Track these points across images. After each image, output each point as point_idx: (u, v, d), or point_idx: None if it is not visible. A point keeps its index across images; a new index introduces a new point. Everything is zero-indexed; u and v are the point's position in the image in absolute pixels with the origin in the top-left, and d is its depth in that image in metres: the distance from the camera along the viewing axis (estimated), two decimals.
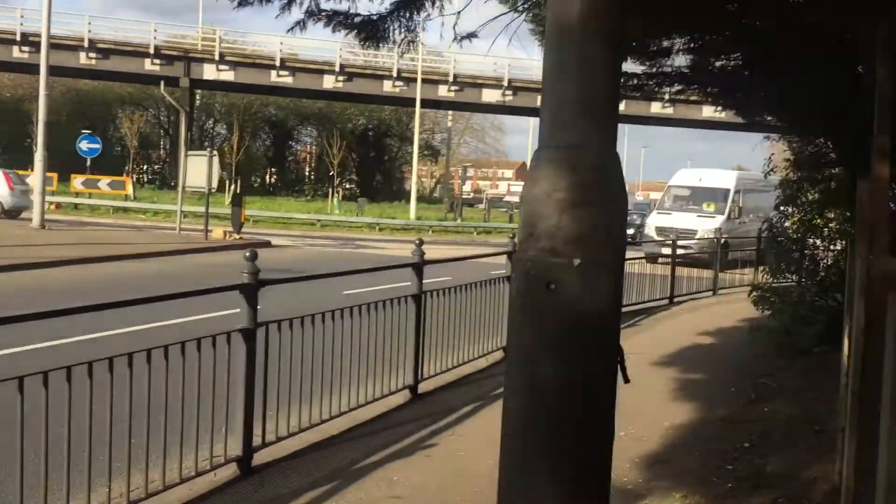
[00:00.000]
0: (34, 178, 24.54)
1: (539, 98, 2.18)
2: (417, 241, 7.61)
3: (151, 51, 42.00)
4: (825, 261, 10.29)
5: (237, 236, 25.04)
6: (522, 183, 2.58)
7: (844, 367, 4.63)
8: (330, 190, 53.81)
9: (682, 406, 7.52)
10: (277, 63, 43.12)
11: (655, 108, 39.29)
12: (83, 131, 37.49)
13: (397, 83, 44.40)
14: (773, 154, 13.09)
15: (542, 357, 2.01)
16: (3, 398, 3.94)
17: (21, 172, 31.50)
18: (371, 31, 6.05)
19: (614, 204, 2.04)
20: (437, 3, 5.96)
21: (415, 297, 7.41)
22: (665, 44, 7.28)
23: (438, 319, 7.84)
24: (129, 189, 39.71)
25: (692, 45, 7.07)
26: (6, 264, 15.04)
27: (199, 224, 25.51)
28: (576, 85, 1.98)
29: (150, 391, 4.65)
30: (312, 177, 67.71)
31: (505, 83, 43.89)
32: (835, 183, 9.92)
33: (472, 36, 6.88)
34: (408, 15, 5.95)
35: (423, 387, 7.62)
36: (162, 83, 35.43)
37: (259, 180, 65.52)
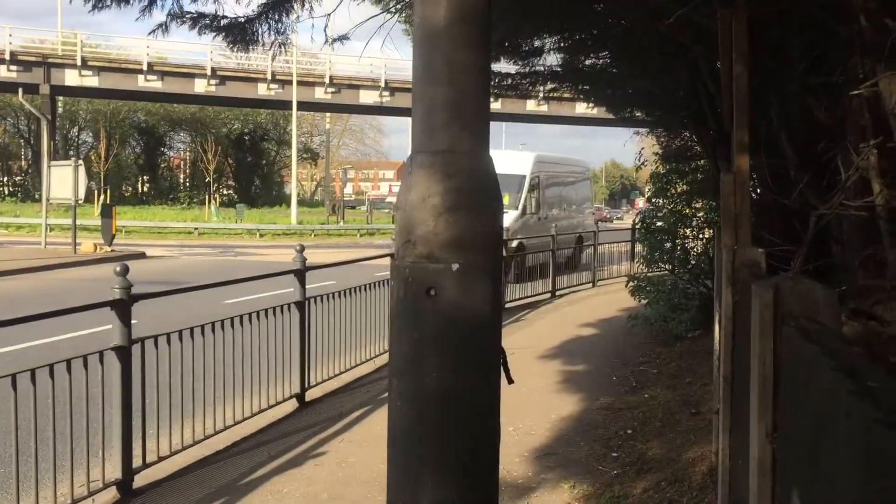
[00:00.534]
0: None
1: None
2: (299, 247, 7.49)
3: (7, 56, 39.61)
4: (695, 249, 10.75)
5: (108, 249, 24.02)
6: None
7: (716, 351, 4.83)
8: (206, 197, 52.35)
9: (568, 397, 7.70)
10: (145, 67, 41.53)
11: (531, 105, 40.08)
12: None
13: (272, 86, 43.62)
14: (643, 148, 13.61)
15: (423, 363, 2.00)
16: None
17: None
18: (239, 33, 5.90)
19: (490, 207, 2.05)
20: (307, 5, 5.89)
21: (298, 304, 7.30)
22: (537, 44, 7.44)
23: (323, 325, 7.75)
24: None
25: (562, 44, 7.25)
26: None
27: (66, 237, 24.32)
28: (445, 90, 1.98)
29: (17, 417, 4.40)
30: (188, 184, 65.69)
31: (382, 84, 43.82)
32: (701, 174, 10.39)
33: (343, 38, 6.83)
34: (277, 17, 5.84)
35: (311, 394, 7.52)
36: (20, 90, 33.53)
37: (131, 189, 63.06)
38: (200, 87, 42.90)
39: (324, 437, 6.45)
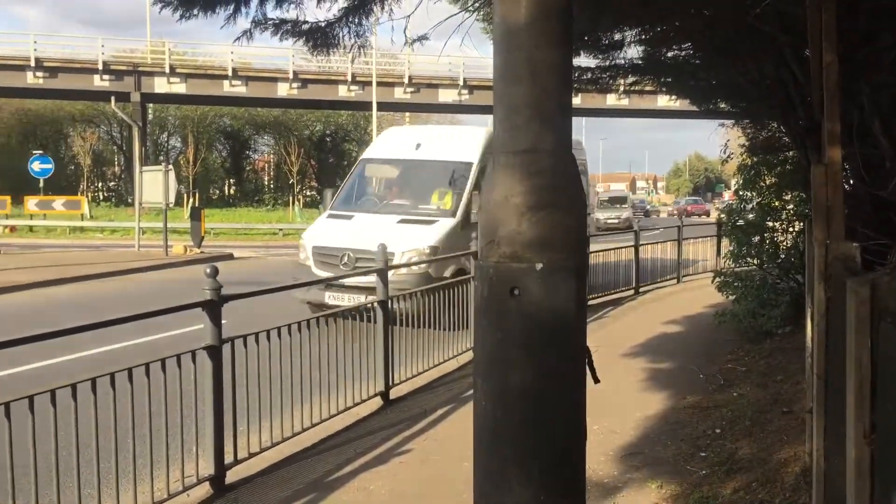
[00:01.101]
0: None
1: None
2: (380, 247, 7.59)
3: (100, 66, 41.31)
4: (785, 242, 10.43)
5: (198, 250, 24.74)
6: None
7: (809, 349, 4.69)
8: (291, 198, 53.39)
9: (653, 395, 7.57)
10: (230, 73, 42.69)
11: (611, 100, 39.65)
12: (34, 152, 36.74)
13: (352, 87, 44.25)
14: (728, 140, 13.26)
15: (508, 363, 2.00)
16: None
17: None
18: (320, 38, 6.00)
19: (572, 205, 2.03)
20: (387, 8, 5.94)
21: (381, 303, 7.39)
22: (617, 37, 7.33)
23: (407, 323, 7.83)
24: (85, 208, 38.99)
25: (643, 36, 7.12)
26: None
27: (158, 240, 25.14)
28: (527, 89, 1.97)
29: (117, 414, 4.57)
30: (272, 186, 67.19)
31: (461, 83, 43.94)
32: (790, 166, 10.06)
33: (423, 38, 6.88)
34: (357, 20, 5.91)
35: (395, 392, 7.59)
36: (112, 99, 34.81)
37: (218, 192, 64.82)
38: (283, 90, 43.85)
39: (408, 435, 6.50)
